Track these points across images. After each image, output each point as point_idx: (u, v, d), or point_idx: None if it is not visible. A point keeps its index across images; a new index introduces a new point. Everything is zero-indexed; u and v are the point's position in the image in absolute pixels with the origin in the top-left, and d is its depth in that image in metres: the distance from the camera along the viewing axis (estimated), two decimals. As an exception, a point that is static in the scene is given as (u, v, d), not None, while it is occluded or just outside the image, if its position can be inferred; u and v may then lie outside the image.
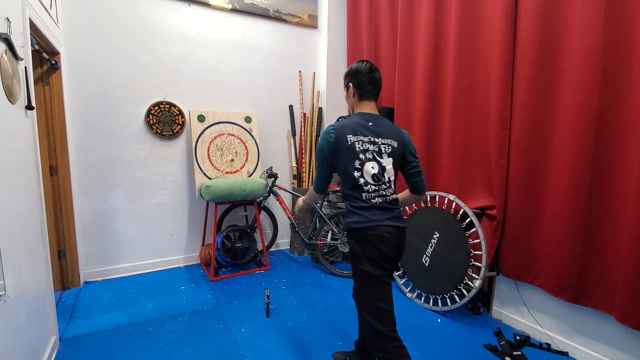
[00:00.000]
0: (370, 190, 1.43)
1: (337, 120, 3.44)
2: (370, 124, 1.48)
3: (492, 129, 2.20)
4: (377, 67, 1.52)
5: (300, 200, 1.81)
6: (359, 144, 1.44)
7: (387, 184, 1.46)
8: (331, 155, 1.48)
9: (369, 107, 1.53)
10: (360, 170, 1.44)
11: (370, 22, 3.35)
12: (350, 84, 1.53)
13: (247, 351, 1.92)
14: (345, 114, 3.76)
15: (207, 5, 3.08)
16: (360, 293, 1.48)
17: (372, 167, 1.44)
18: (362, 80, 1.49)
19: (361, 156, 1.44)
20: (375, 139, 1.46)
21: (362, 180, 1.43)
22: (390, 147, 1.47)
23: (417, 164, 1.55)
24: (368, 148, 1.44)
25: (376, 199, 1.44)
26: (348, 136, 1.44)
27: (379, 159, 1.45)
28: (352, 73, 1.52)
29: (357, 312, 1.51)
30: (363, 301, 1.46)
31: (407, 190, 1.62)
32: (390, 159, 1.47)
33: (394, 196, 1.49)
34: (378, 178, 1.44)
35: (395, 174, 1.50)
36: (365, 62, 1.50)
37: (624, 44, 1.63)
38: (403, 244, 1.49)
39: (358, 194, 1.44)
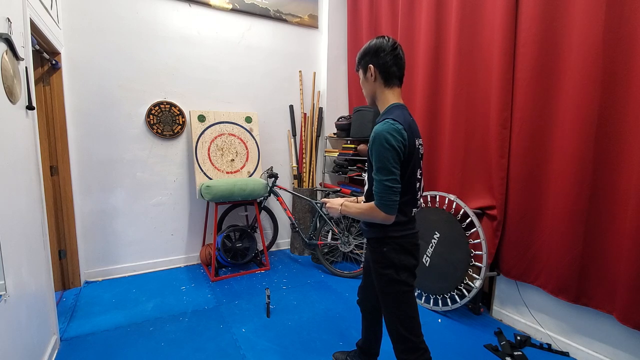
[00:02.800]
0: (417, 205, 1.31)
1: (338, 120, 3.48)
2: (411, 119, 1.27)
3: (492, 128, 2.19)
4: None
5: (337, 204, 1.38)
6: (420, 148, 1.27)
7: (420, 190, 1.34)
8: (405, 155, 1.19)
9: (399, 95, 1.28)
10: (419, 181, 1.29)
11: (371, 22, 3.35)
12: (371, 65, 1.25)
13: (247, 351, 1.92)
14: (345, 113, 3.76)
15: (208, 5, 3.08)
16: (394, 306, 1.33)
17: (421, 175, 1.31)
18: (385, 60, 1.22)
19: (420, 163, 1.28)
20: (418, 140, 1.27)
21: (419, 194, 1.30)
22: (422, 148, 1.32)
23: None
24: (421, 153, 1.30)
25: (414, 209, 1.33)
26: (415, 140, 1.23)
27: (420, 164, 1.31)
28: (372, 52, 1.25)
29: (379, 321, 1.50)
30: (397, 314, 1.33)
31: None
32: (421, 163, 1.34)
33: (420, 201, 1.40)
34: (420, 185, 1.32)
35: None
36: (387, 38, 1.24)
37: (624, 43, 1.63)
38: None
39: (411, 208, 1.29)
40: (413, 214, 1.31)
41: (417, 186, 1.27)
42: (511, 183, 2.14)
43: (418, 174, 1.25)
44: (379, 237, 1.29)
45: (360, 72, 1.32)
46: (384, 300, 1.35)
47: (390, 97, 1.27)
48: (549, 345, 2.02)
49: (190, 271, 3.06)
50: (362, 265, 3.21)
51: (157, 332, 2.09)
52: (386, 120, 1.17)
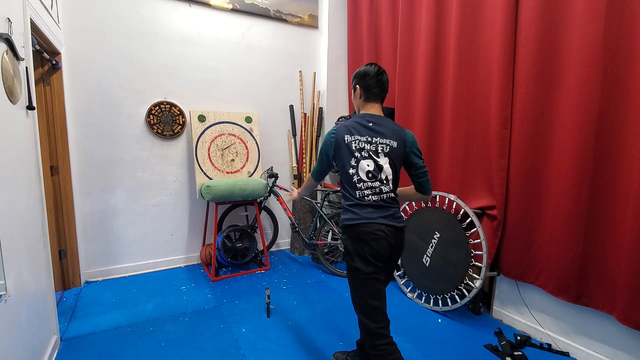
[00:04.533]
0: (364, 187, 1.47)
1: (338, 120, 3.49)
2: (371, 124, 1.52)
3: (492, 128, 2.19)
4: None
5: (294, 193, 1.94)
6: (355, 142, 1.50)
7: (384, 182, 1.48)
8: (331, 155, 1.57)
9: (373, 109, 1.57)
10: (356, 167, 1.49)
11: (371, 22, 3.35)
12: (358, 86, 1.57)
13: (247, 351, 1.92)
14: (345, 113, 3.76)
15: (208, 5, 3.08)
16: (352, 290, 1.50)
17: (368, 165, 1.48)
18: (369, 83, 1.53)
19: (357, 154, 1.49)
20: (373, 139, 1.50)
21: (356, 178, 1.48)
22: (388, 147, 1.49)
23: (422, 165, 1.56)
24: (364, 147, 1.49)
25: (370, 196, 1.46)
26: (345, 136, 1.51)
27: (375, 157, 1.48)
28: (360, 75, 1.56)
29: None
30: (354, 298, 1.49)
31: (413, 186, 1.63)
32: (387, 159, 1.49)
33: (391, 195, 1.50)
34: (373, 175, 1.47)
35: (394, 174, 1.51)
36: (373, 65, 1.55)
37: (624, 43, 1.63)
38: (399, 244, 1.50)
39: (352, 191, 1.49)
40: (363, 199, 1.46)
41: (353, 172, 1.48)
42: (511, 183, 2.14)
43: (352, 162, 1.48)
44: (341, 225, 1.54)
45: (352, 90, 1.61)
46: (348, 285, 1.54)
47: (363, 110, 1.59)
48: (549, 345, 2.02)
49: (191, 271, 3.06)
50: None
51: (157, 332, 2.09)
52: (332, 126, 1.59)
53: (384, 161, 1.49)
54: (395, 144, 1.50)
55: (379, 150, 1.49)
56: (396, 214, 1.50)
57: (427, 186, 1.59)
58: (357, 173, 1.48)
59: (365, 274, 1.41)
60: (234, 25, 3.23)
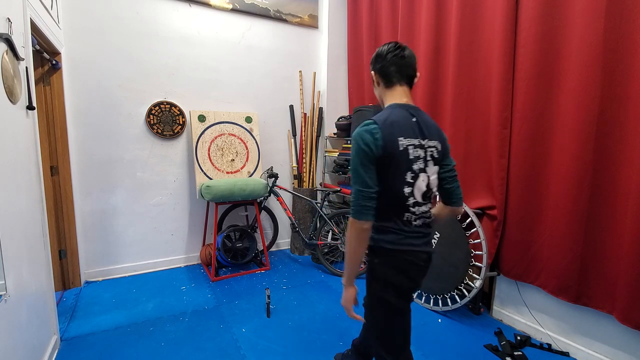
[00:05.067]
0: (417, 212, 1.16)
1: (338, 120, 3.48)
2: (415, 119, 1.16)
3: (492, 128, 2.19)
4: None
5: (349, 297, 1.22)
6: (412, 148, 1.12)
7: (431, 202, 1.21)
8: (374, 169, 1.10)
9: (403, 94, 1.20)
10: (412, 185, 1.13)
11: (371, 22, 3.35)
12: (373, 72, 1.26)
13: (247, 351, 1.92)
14: (345, 113, 3.76)
15: (208, 5, 3.08)
16: (374, 321, 1.25)
17: (423, 181, 1.15)
18: (383, 64, 1.21)
19: (415, 166, 1.12)
20: (422, 141, 1.15)
21: (411, 200, 1.14)
22: (436, 151, 1.18)
23: (453, 167, 1.27)
24: (420, 155, 1.13)
25: (418, 221, 1.17)
26: (399, 139, 1.10)
27: (426, 168, 1.16)
28: (373, 59, 1.26)
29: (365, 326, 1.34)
30: (377, 331, 1.25)
31: (439, 202, 1.34)
32: (436, 167, 1.20)
33: (431, 217, 1.24)
34: (427, 197, 1.18)
35: (444, 161, 1.23)
36: (389, 43, 1.22)
37: (624, 43, 1.62)
38: (428, 269, 1.27)
39: (399, 214, 1.15)
40: (409, 225, 1.15)
41: (408, 191, 1.12)
42: (511, 183, 2.14)
43: (409, 177, 1.11)
44: (371, 245, 1.19)
45: (373, 83, 1.31)
46: (366, 311, 1.28)
47: (389, 98, 1.22)
48: (549, 345, 2.02)
49: (191, 271, 3.06)
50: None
51: (157, 332, 2.09)
52: (364, 121, 1.12)
53: (432, 171, 1.18)
54: (440, 147, 1.20)
55: (429, 158, 1.16)
56: (432, 238, 1.36)
57: (458, 194, 1.28)
58: (412, 194, 1.13)
59: (397, 309, 1.19)
60: (234, 25, 3.23)
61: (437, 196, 1.33)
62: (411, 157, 1.11)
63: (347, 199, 3.66)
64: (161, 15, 2.91)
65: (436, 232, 2.41)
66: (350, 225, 1.12)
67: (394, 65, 1.19)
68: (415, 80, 1.23)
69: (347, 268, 1.19)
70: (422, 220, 1.19)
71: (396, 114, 1.14)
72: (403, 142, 1.10)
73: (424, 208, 1.18)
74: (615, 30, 1.64)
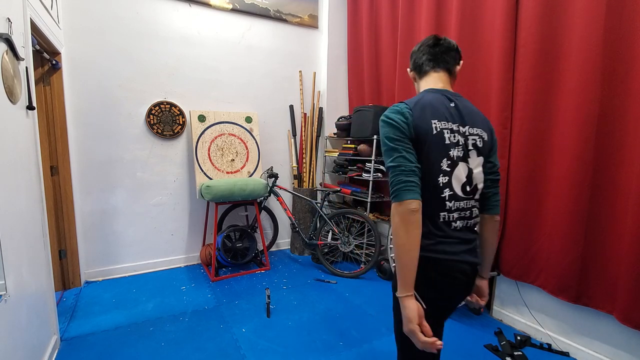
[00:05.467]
0: (454, 208, 0.97)
1: (338, 120, 3.48)
2: (453, 104, 1.01)
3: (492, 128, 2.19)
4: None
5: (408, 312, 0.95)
6: (448, 133, 0.96)
7: (476, 199, 1.03)
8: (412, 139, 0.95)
9: (439, 80, 1.07)
10: (449, 175, 0.96)
11: (371, 22, 3.35)
12: (408, 69, 1.16)
13: (247, 351, 1.92)
14: (345, 113, 3.76)
15: (208, 5, 3.08)
16: (400, 344, 1.05)
17: (463, 171, 0.98)
18: (416, 56, 1.11)
19: (452, 153, 0.96)
20: (462, 128, 1.00)
21: (447, 192, 0.96)
22: (480, 140, 1.02)
23: (498, 170, 1.10)
24: (459, 141, 0.98)
25: (457, 222, 0.98)
26: (432, 121, 0.95)
27: (467, 158, 0.99)
28: (410, 58, 1.15)
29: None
30: (401, 355, 1.08)
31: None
32: (481, 159, 1.02)
33: (478, 219, 1.05)
34: (468, 190, 0.99)
35: (490, 154, 1.06)
36: (428, 37, 1.11)
37: (624, 43, 1.63)
38: (471, 286, 1.06)
39: (433, 213, 0.96)
40: (447, 227, 0.96)
41: (444, 181, 0.95)
42: (511, 183, 2.14)
43: (445, 165, 0.95)
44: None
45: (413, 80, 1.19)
46: (396, 326, 1.05)
47: (423, 86, 1.09)
48: (549, 345, 2.02)
49: (190, 271, 3.06)
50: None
51: (157, 332, 2.09)
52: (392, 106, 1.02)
53: (475, 163, 1.01)
54: (485, 136, 1.04)
55: (470, 147, 1.00)
56: (477, 245, 1.05)
57: (496, 200, 1.10)
58: (449, 184, 0.96)
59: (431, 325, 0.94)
60: (234, 25, 3.23)
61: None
62: (447, 142, 0.95)
63: (347, 199, 3.66)
64: (161, 15, 2.91)
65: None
66: (393, 212, 0.90)
67: (426, 54, 1.08)
68: (458, 68, 1.09)
69: (400, 272, 0.89)
70: (463, 222, 0.99)
71: (429, 97, 1.00)
72: (437, 124, 0.95)
73: (463, 204, 0.98)
74: (615, 30, 1.64)
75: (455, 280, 0.98)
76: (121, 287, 2.72)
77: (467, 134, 1.00)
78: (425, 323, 0.89)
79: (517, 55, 2.06)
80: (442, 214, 0.96)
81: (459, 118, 1.00)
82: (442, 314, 1.05)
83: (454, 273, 0.97)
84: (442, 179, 0.95)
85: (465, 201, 0.99)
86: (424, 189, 0.93)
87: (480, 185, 1.04)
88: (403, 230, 0.88)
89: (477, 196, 1.04)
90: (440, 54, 1.07)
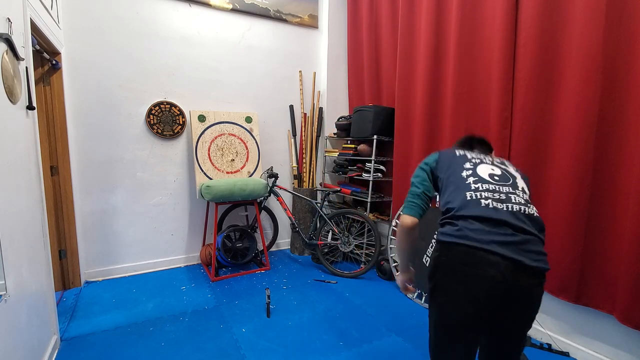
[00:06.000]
0: (481, 188, 0.99)
1: (338, 120, 3.48)
2: (491, 159, 1.19)
3: (492, 128, 2.19)
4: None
5: (403, 278, 1.32)
6: (469, 154, 1.19)
7: (519, 191, 1.02)
8: (433, 169, 1.18)
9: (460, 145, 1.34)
10: (472, 169, 1.09)
11: (371, 22, 3.35)
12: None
13: (247, 351, 1.92)
14: (345, 113, 3.76)
15: (208, 5, 3.08)
16: (430, 339, 1.04)
17: (492, 169, 1.08)
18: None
19: (475, 160, 1.14)
20: (496, 160, 1.19)
21: (471, 179, 1.04)
22: (519, 173, 1.17)
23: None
24: (483, 159, 1.16)
25: (490, 201, 0.95)
26: (456, 150, 1.22)
27: (502, 167, 1.13)
28: None
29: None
30: (430, 351, 1.05)
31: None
32: (519, 174, 1.14)
33: (532, 211, 0.97)
34: (498, 178, 1.04)
35: (530, 194, 1.09)
36: None
37: (624, 43, 1.63)
38: (524, 296, 0.89)
39: (458, 194, 1.01)
40: (487, 205, 0.94)
41: (467, 174, 1.07)
42: (511, 183, 2.14)
43: (467, 165, 1.11)
44: (436, 241, 1.04)
45: None
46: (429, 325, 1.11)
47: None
48: (549, 345, 2.01)
49: (190, 271, 3.06)
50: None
51: (157, 332, 2.09)
52: None
53: (516, 175, 1.13)
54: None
55: (507, 164, 1.19)
56: (535, 248, 0.90)
57: None
58: (474, 174, 1.06)
59: (449, 327, 0.93)
60: (234, 25, 3.23)
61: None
62: (469, 157, 1.15)
63: (347, 199, 3.66)
64: (161, 15, 2.91)
65: (436, 232, 2.41)
66: (402, 227, 1.18)
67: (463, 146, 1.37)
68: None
69: (398, 259, 1.28)
70: (503, 205, 0.92)
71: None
72: (460, 152, 1.19)
73: (494, 187, 0.98)
74: (616, 30, 1.64)
75: (483, 277, 0.85)
76: (121, 287, 2.72)
77: (503, 163, 1.18)
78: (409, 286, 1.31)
79: (517, 55, 2.06)
80: (467, 192, 1.00)
81: (485, 156, 1.22)
82: (475, 316, 0.88)
83: (480, 262, 0.86)
84: (465, 173, 1.08)
85: (495, 185, 1.00)
86: (449, 185, 1.08)
87: (525, 189, 1.06)
88: (399, 227, 1.18)
89: (521, 191, 1.01)
90: (473, 142, 1.37)
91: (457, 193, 1.01)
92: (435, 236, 1.17)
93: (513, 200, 0.95)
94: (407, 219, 1.11)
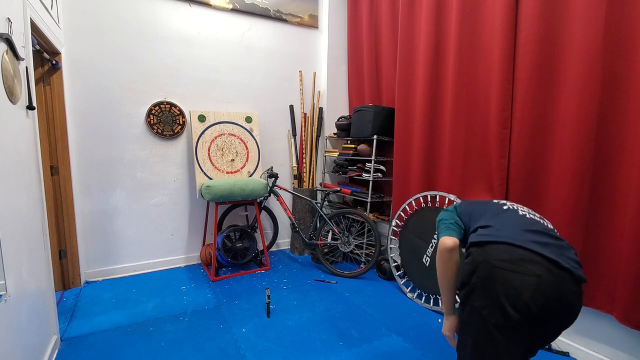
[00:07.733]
0: (509, 204, 1.17)
1: (338, 120, 3.48)
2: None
3: (492, 128, 2.19)
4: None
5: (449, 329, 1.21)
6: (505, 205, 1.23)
7: (545, 221, 1.13)
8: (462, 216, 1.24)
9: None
10: (507, 205, 1.20)
11: (371, 22, 3.35)
12: None
13: (247, 351, 1.92)
14: (345, 113, 3.76)
15: (208, 5, 3.08)
16: (462, 346, 0.96)
17: (522, 210, 1.16)
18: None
19: (507, 204, 1.22)
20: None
21: (502, 201, 1.19)
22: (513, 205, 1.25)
23: None
24: (516, 207, 1.21)
25: (519, 210, 1.11)
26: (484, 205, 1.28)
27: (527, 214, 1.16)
28: None
29: None
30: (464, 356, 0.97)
31: None
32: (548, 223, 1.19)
33: (558, 236, 1.02)
34: (529, 211, 1.17)
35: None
36: None
37: (624, 43, 1.63)
38: (567, 302, 0.84)
39: (491, 209, 1.16)
40: (517, 209, 1.06)
41: (497, 201, 1.25)
42: (511, 183, 2.14)
43: (499, 201, 1.25)
44: (470, 243, 1.02)
45: None
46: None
47: None
48: (549, 345, 2.02)
49: (190, 271, 3.06)
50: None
51: (157, 332, 2.09)
52: None
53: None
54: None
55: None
56: (567, 253, 0.90)
57: None
58: (506, 203, 1.21)
59: (493, 332, 0.83)
60: (234, 25, 3.23)
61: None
62: (500, 203, 1.21)
63: (347, 199, 3.66)
64: (161, 15, 2.91)
65: (436, 232, 2.41)
66: (444, 252, 1.21)
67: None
68: None
69: (441, 295, 1.22)
70: (533, 217, 1.01)
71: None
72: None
73: (525, 209, 1.12)
74: (615, 29, 1.64)
75: (521, 275, 0.80)
76: (121, 287, 2.72)
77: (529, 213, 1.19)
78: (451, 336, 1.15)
79: (517, 55, 2.06)
80: (499, 201, 1.19)
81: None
82: (518, 320, 0.81)
83: (520, 262, 0.81)
84: (495, 200, 1.21)
85: (526, 211, 1.11)
86: (476, 215, 1.15)
87: (550, 226, 1.11)
88: (439, 252, 1.16)
89: (547, 221, 1.10)
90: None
91: (491, 213, 1.11)
92: (463, 250, 1.12)
93: (547, 224, 1.06)
94: (448, 240, 1.06)
